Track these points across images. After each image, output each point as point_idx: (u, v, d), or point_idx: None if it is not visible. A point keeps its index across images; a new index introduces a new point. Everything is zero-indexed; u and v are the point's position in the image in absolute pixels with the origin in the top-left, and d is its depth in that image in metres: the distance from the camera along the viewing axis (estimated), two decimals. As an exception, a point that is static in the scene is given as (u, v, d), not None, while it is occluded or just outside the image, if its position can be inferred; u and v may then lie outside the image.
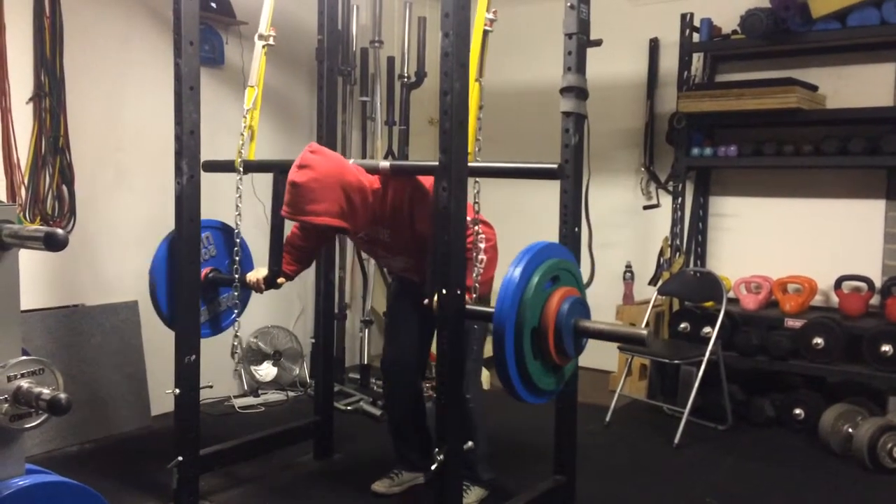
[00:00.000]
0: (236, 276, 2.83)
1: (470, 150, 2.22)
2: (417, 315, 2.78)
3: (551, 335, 2.03)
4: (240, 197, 2.77)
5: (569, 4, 2.48)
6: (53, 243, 1.44)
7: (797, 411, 3.77)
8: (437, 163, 2.18)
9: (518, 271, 2.00)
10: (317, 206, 2.34)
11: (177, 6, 2.57)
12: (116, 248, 3.56)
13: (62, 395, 1.49)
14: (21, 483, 1.49)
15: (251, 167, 2.82)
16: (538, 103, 4.56)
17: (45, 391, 1.49)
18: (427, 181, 2.45)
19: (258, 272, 2.87)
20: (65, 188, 3.40)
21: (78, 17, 3.41)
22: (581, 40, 2.51)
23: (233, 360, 2.75)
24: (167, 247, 2.80)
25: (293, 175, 2.34)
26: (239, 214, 2.80)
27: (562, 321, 2.03)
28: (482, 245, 2.34)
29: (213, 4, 3.87)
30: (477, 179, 2.30)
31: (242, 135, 2.78)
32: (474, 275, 2.30)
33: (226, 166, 2.82)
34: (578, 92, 2.52)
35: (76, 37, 3.41)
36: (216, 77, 3.80)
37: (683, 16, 4.30)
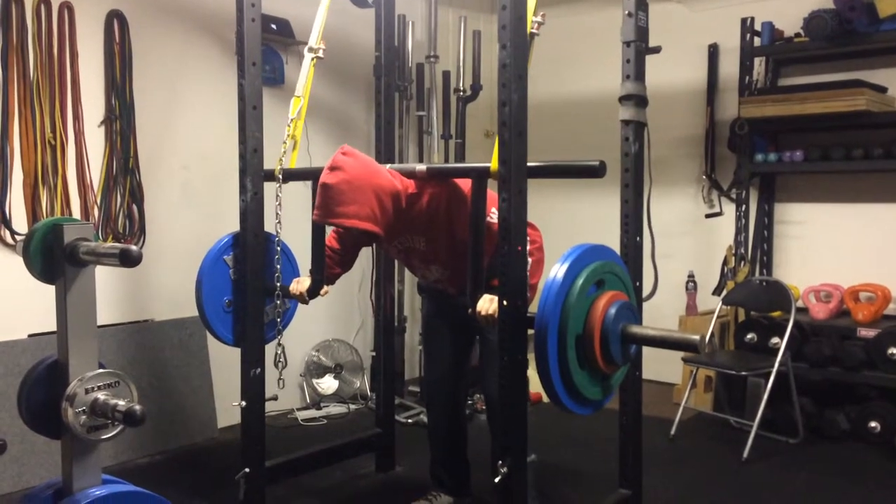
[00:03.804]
0: (278, 284, 2.80)
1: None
2: (452, 334, 2.79)
3: (597, 342, 1.94)
4: (279, 204, 2.76)
5: (626, 12, 2.46)
6: (128, 259, 1.49)
7: (873, 424, 3.63)
8: (472, 165, 2.34)
9: (561, 274, 1.90)
10: (347, 208, 2.27)
11: (240, 29, 2.65)
12: (183, 263, 3.64)
13: (137, 407, 1.54)
14: (98, 493, 1.55)
15: (290, 175, 2.81)
16: (596, 113, 4.53)
17: (121, 403, 1.55)
18: (465, 185, 2.41)
19: (300, 283, 2.83)
20: (135, 207, 3.52)
21: (143, 42, 3.54)
22: (639, 48, 2.48)
23: (276, 368, 2.77)
24: (214, 256, 2.81)
25: (324, 177, 2.29)
26: (279, 222, 2.79)
27: (608, 327, 1.94)
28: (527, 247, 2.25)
29: (274, 26, 3.97)
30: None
31: (284, 143, 2.78)
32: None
33: (266, 175, 2.78)
34: (638, 100, 2.49)
35: (143, 60, 3.54)
36: (277, 96, 3.88)
37: (744, 20, 4.22)
